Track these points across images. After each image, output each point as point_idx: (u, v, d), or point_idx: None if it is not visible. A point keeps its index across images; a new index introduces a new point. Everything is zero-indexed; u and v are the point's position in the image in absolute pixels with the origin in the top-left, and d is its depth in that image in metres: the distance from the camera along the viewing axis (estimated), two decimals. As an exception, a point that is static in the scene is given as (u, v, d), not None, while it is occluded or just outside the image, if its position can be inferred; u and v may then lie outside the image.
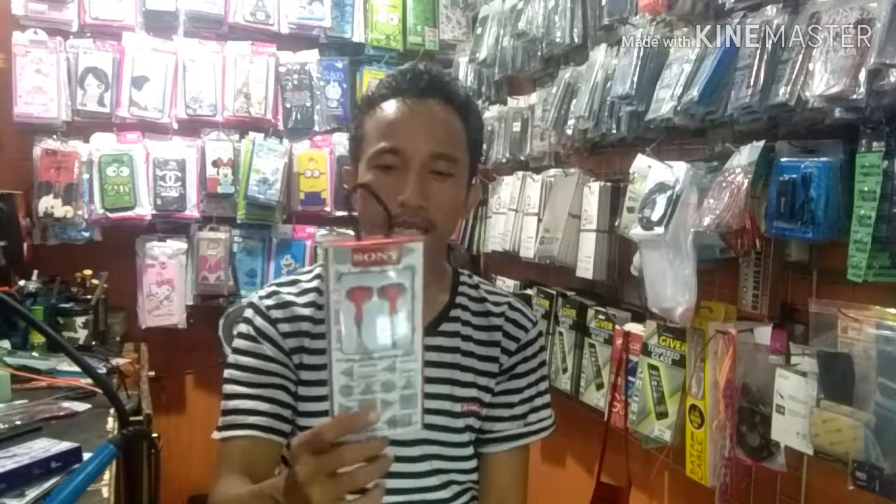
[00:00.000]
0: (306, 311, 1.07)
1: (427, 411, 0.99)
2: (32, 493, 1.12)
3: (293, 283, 1.12)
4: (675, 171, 1.58)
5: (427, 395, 0.97)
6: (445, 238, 1.09)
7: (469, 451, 1.11)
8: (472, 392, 1.10)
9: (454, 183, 1.04)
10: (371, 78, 2.99)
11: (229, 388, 1.05)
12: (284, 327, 1.06)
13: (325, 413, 0.97)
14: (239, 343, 1.07)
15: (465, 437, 1.10)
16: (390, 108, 1.04)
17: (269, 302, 1.08)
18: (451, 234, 1.09)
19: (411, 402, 0.70)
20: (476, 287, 1.18)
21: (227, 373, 1.06)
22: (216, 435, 1.04)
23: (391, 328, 0.68)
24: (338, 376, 0.68)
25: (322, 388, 1.00)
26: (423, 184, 1.01)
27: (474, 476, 1.13)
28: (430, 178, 1.02)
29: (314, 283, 1.10)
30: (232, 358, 1.07)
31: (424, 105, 1.04)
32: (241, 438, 1.01)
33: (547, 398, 1.18)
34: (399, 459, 1.01)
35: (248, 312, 1.09)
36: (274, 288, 1.11)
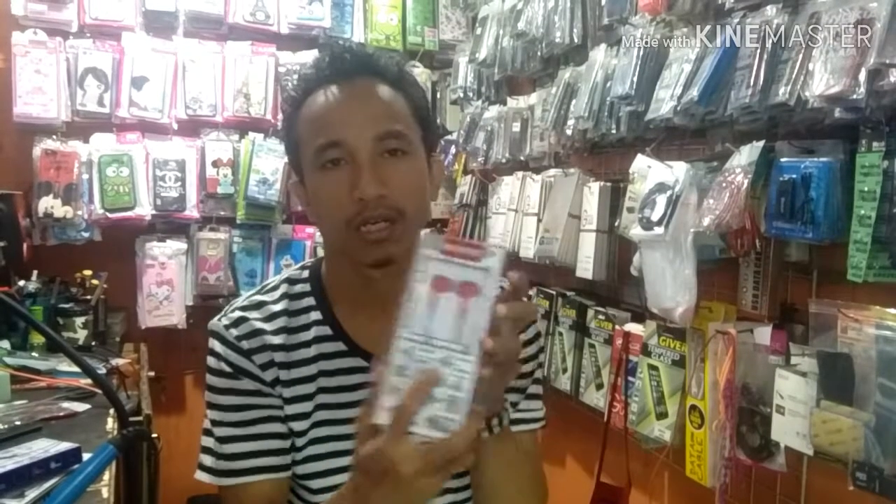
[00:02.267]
0: (277, 340, 0.96)
1: None
2: (32, 493, 1.12)
3: (259, 305, 0.99)
4: (675, 172, 1.57)
5: None
6: (420, 223, 0.96)
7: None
8: None
9: (412, 160, 0.93)
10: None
11: (219, 432, 0.96)
12: (259, 359, 0.96)
13: (305, 446, 0.96)
14: (215, 381, 0.97)
15: None
16: (318, 99, 0.93)
17: (237, 332, 0.96)
18: (425, 219, 0.98)
19: (456, 407, 0.68)
20: None
21: (211, 413, 0.97)
22: (211, 479, 0.96)
23: (459, 323, 0.69)
24: (396, 354, 0.69)
25: (302, 421, 0.96)
26: (377, 170, 0.89)
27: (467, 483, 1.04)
28: (382, 161, 0.91)
29: (281, 305, 0.99)
30: (211, 397, 0.98)
31: (354, 86, 0.93)
32: (251, 484, 0.94)
33: (541, 395, 1.10)
34: None
35: (217, 345, 0.97)
36: (239, 314, 0.98)
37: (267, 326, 0.97)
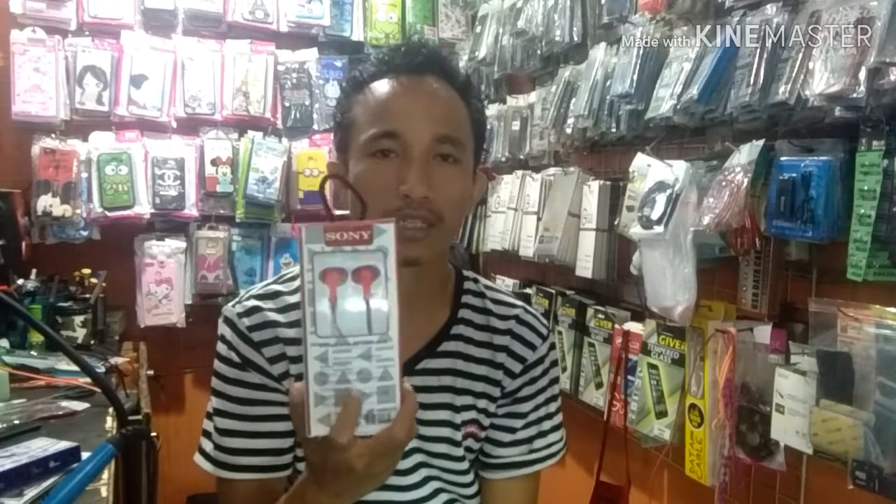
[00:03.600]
0: (290, 332, 0.94)
1: (426, 438, 0.95)
2: (31, 492, 1.11)
3: (275, 295, 0.98)
4: (675, 170, 1.57)
5: (425, 422, 0.90)
6: (452, 234, 0.95)
7: (470, 476, 1.02)
8: (471, 414, 0.99)
9: (461, 170, 0.92)
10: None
11: (221, 422, 0.95)
12: (269, 351, 0.94)
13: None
14: (222, 368, 0.96)
15: (466, 463, 1.01)
16: (383, 87, 0.91)
17: (249, 322, 0.95)
18: (457, 230, 0.97)
19: (389, 395, 0.67)
20: (482, 296, 1.05)
21: (215, 401, 0.96)
22: (208, 468, 0.95)
23: (366, 312, 0.66)
24: (312, 362, 0.66)
25: None
26: (428, 171, 0.88)
27: (477, 500, 1.04)
28: (434, 164, 0.89)
29: (298, 297, 0.96)
30: (217, 384, 0.96)
31: (423, 82, 0.92)
32: (246, 481, 0.94)
33: (557, 420, 1.06)
34: (400, 489, 0.96)
35: (227, 333, 0.96)
36: (254, 302, 0.96)
37: (281, 318, 0.96)
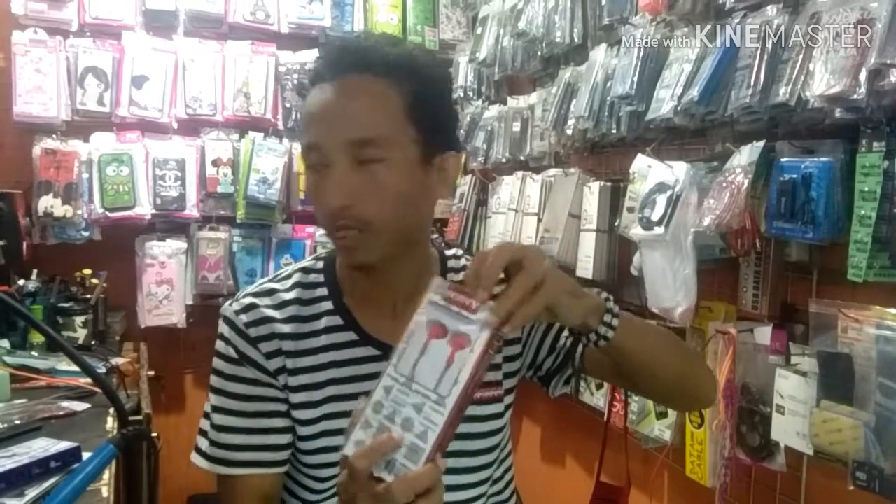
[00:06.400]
0: (287, 328, 0.96)
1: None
2: (32, 492, 1.12)
3: (270, 292, 0.99)
4: (676, 171, 1.58)
5: None
6: (394, 233, 0.91)
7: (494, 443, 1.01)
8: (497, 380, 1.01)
9: (387, 167, 0.88)
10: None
11: (218, 419, 0.96)
12: (266, 347, 0.95)
13: (315, 437, 0.96)
14: (220, 365, 0.97)
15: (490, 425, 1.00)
16: (310, 97, 0.91)
17: (246, 318, 0.96)
18: (401, 228, 0.91)
19: (416, 455, 0.68)
20: (465, 269, 0.99)
21: (213, 398, 0.98)
22: (204, 465, 0.96)
23: (441, 372, 0.70)
24: (379, 389, 0.71)
25: (311, 409, 0.96)
26: (345, 180, 0.87)
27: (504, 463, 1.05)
28: (353, 170, 0.87)
29: (294, 294, 0.98)
30: (216, 381, 0.97)
31: (341, 85, 0.89)
32: (245, 477, 0.95)
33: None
34: None
35: (225, 330, 0.97)
36: (250, 300, 0.97)
37: (277, 314, 0.97)
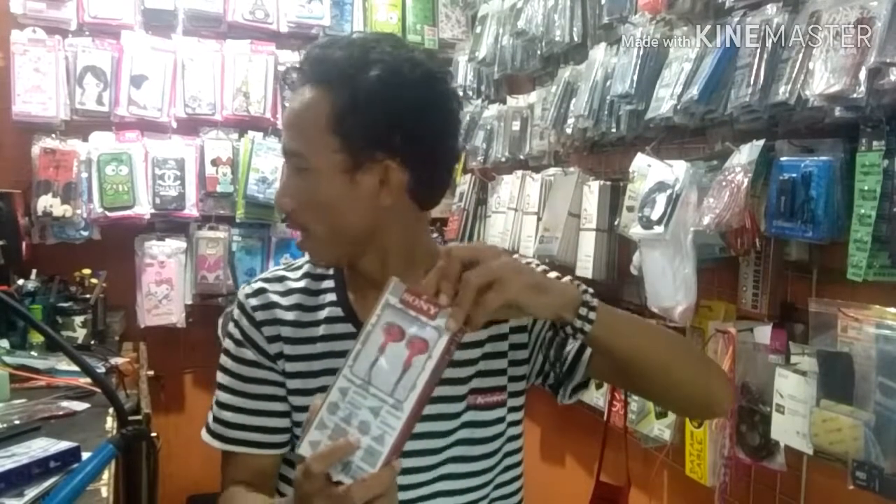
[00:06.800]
0: (289, 316, 0.99)
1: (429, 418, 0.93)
2: (31, 492, 1.11)
3: (280, 279, 1.03)
4: (675, 170, 1.57)
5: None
6: (336, 238, 0.94)
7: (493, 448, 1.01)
8: (481, 382, 0.99)
9: (311, 177, 0.92)
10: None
11: (220, 395, 1.01)
12: (268, 331, 0.99)
13: None
14: (228, 345, 1.02)
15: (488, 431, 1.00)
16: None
17: (255, 302, 1.00)
18: (339, 233, 0.93)
19: (373, 458, 0.69)
20: None
21: (219, 375, 1.02)
22: (207, 437, 1.01)
23: (398, 376, 0.70)
24: (334, 391, 0.71)
25: (306, 397, 0.96)
26: (287, 185, 0.96)
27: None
28: (293, 177, 0.95)
29: (302, 283, 1.02)
30: (223, 359, 1.02)
31: (293, 96, 0.96)
32: (236, 454, 0.99)
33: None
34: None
35: (236, 312, 1.03)
36: (261, 284, 1.02)
37: (282, 301, 1.01)
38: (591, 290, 0.86)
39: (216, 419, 1.01)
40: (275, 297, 1.01)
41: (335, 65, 0.91)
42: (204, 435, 1.02)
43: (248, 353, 0.99)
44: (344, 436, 0.70)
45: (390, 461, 0.69)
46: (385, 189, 0.92)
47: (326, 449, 0.70)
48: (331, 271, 1.03)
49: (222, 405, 1.00)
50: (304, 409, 0.94)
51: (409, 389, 0.70)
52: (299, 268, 1.05)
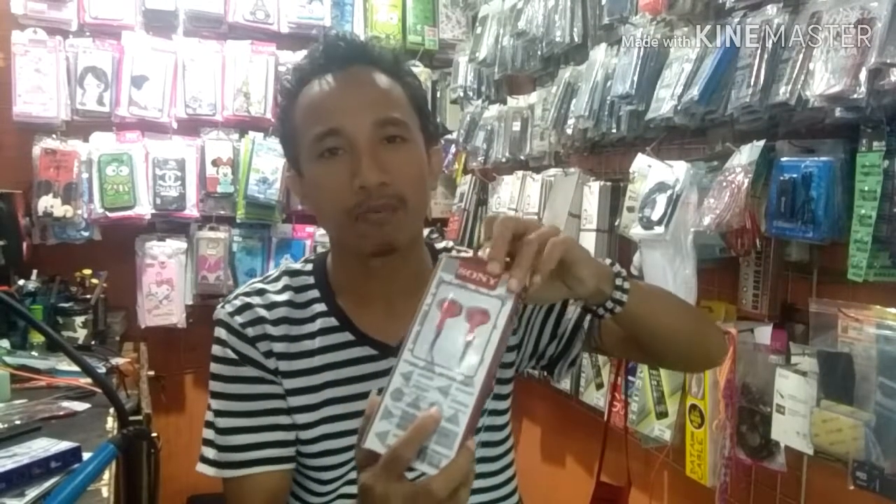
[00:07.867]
0: (277, 331, 0.96)
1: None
2: (32, 492, 1.11)
3: (261, 292, 0.98)
4: (676, 171, 1.58)
5: None
6: (420, 214, 0.95)
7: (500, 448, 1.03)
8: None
9: (410, 147, 0.91)
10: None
11: (223, 422, 0.95)
12: (262, 346, 0.95)
13: (316, 440, 0.95)
14: (219, 369, 0.96)
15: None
16: (314, 89, 0.92)
17: (242, 319, 0.95)
18: (424, 210, 0.96)
19: (448, 441, 0.64)
20: None
21: (214, 404, 0.96)
22: (211, 471, 0.95)
23: (462, 350, 0.67)
24: (396, 377, 0.67)
25: (311, 413, 0.95)
26: (378, 157, 0.88)
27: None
28: (382, 148, 0.89)
29: (285, 296, 0.98)
30: (216, 386, 0.96)
31: (350, 74, 0.92)
32: (254, 476, 0.93)
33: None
34: None
35: (221, 333, 0.96)
36: (243, 300, 0.97)
37: (268, 315, 0.96)
38: (616, 262, 0.85)
39: (222, 448, 0.95)
40: (262, 312, 0.96)
41: (385, 53, 0.95)
42: (206, 469, 0.96)
43: (248, 371, 0.95)
44: (413, 421, 0.64)
45: (466, 441, 0.64)
46: (432, 173, 0.98)
47: (409, 432, 0.63)
48: (312, 280, 1.00)
49: (227, 431, 0.95)
50: (308, 425, 0.95)
51: (477, 363, 0.66)
52: (276, 280, 1.01)
